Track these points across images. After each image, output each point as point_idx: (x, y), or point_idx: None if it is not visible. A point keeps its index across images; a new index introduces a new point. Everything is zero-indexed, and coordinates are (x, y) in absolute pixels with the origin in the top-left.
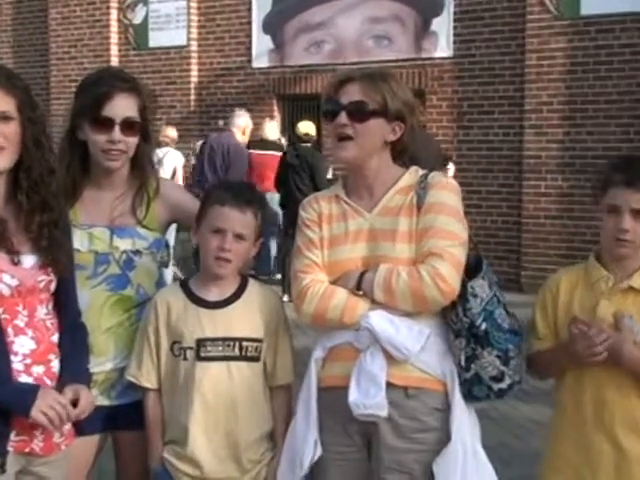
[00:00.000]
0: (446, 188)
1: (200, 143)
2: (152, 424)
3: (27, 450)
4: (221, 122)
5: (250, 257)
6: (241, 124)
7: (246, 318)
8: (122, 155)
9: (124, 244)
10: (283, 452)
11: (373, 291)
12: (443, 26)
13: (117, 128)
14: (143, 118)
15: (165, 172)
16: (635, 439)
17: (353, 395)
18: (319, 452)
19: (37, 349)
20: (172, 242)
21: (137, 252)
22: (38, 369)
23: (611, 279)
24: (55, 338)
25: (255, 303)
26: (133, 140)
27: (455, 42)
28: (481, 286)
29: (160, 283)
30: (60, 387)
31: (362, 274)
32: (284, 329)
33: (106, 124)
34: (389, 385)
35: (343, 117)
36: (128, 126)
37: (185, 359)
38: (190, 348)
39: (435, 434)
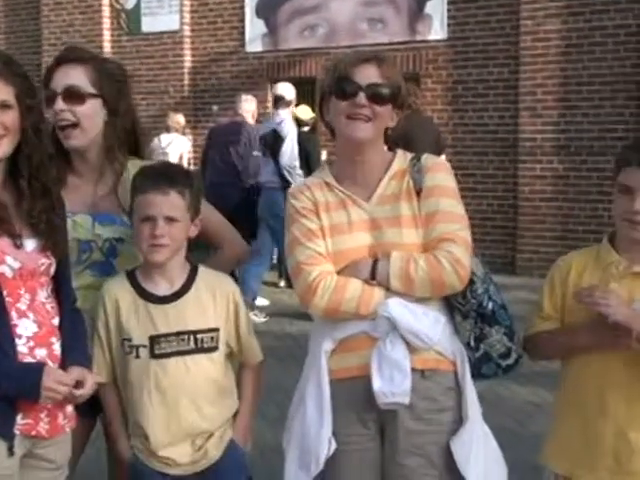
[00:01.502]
0: (442, 170)
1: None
2: (113, 417)
3: (33, 433)
4: (215, 107)
5: (191, 236)
6: (249, 108)
7: (198, 309)
8: (75, 130)
9: (106, 231)
10: (292, 450)
11: (389, 280)
12: (437, 8)
13: (59, 98)
14: (102, 91)
15: (170, 157)
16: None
17: (377, 383)
18: (334, 447)
19: (39, 332)
20: None
21: (120, 239)
22: (41, 352)
23: (622, 263)
24: (56, 322)
25: (207, 292)
26: (82, 109)
27: (449, 25)
28: (475, 264)
29: None
30: (64, 369)
31: (374, 263)
32: (242, 312)
33: (51, 97)
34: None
35: (362, 98)
36: (71, 95)
37: (137, 357)
38: (143, 346)
39: (449, 414)
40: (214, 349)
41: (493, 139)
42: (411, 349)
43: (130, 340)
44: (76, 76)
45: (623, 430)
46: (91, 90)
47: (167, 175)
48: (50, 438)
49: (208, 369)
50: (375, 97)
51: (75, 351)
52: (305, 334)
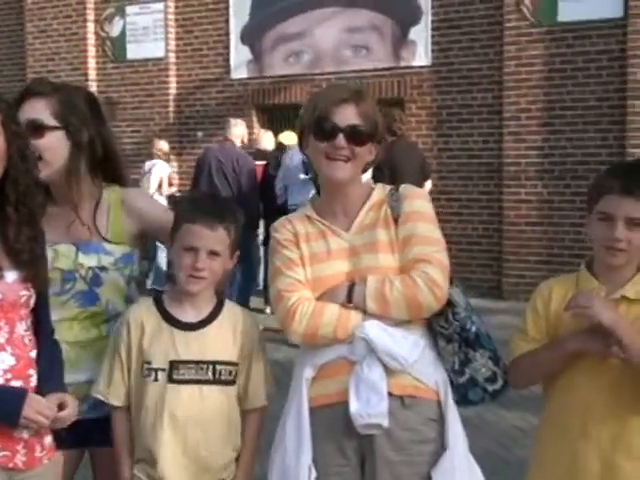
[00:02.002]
0: (419, 197)
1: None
2: (120, 443)
3: (11, 465)
4: (200, 133)
5: (227, 270)
6: (238, 133)
7: (221, 341)
8: (40, 162)
9: (89, 260)
10: (273, 477)
11: (365, 302)
12: (421, 35)
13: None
14: (65, 123)
15: (151, 183)
16: (624, 456)
17: (354, 406)
18: (314, 476)
19: (16, 365)
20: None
21: (103, 268)
22: (17, 383)
23: (603, 289)
24: (33, 354)
25: (230, 326)
26: (42, 142)
27: (433, 51)
28: (457, 294)
29: (129, 298)
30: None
31: (350, 287)
32: (258, 352)
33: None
34: (387, 394)
35: (342, 140)
36: (32, 128)
37: (156, 380)
38: (162, 370)
39: (430, 445)
40: (231, 383)
41: (478, 164)
42: (389, 372)
43: (150, 363)
44: (38, 110)
45: (607, 455)
46: (52, 123)
47: (217, 210)
48: (27, 470)
49: (222, 402)
50: (354, 138)
51: (52, 380)
52: (291, 361)
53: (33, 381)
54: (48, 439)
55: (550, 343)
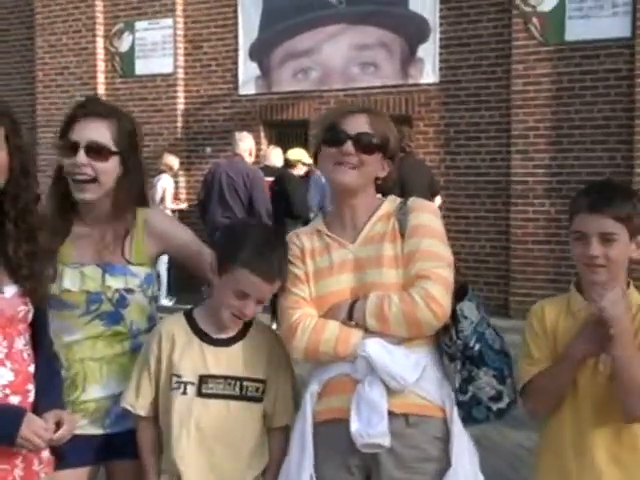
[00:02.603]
0: (427, 211)
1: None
2: (147, 452)
3: (10, 479)
4: (208, 149)
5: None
6: (246, 147)
7: (249, 358)
8: (92, 184)
9: (116, 283)
10: None
11: (366, 319)
12: (429, 52)
13: (82, 151)
14: (121, 148)
15: (158, 196)
16: (616, 471)
17: (355, 425)
18: None
19: (15, 380)
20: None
21: (129, 290)
22: (15, 399)
23: (591, 307)
24: (32, 369)
25: (258, 343)
26: (103, 166)
27: (441, 68)
28: (469, 308)
29: (151, 317)
30: (39, 414)
31: (352, 304)
32: (286, 370)
33: (72, 147)
34: (390, 414)
35: (350, 146)
36: (94, 150)
37: (184, 393)
38: (191, 383)
39: (435, 464)
40: (258, 400)
41: (485, 182)
42: (391, 391)
43: (180, 376)
44: (100, 132)
45: (602, 471)
46: (113, 148)
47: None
48: None
49: (248, 418)
50: (362, 145)
51: (50, 396)
52: (299, 379)
53: (31, 396)
54: (45, 453)
55: (557, 360)
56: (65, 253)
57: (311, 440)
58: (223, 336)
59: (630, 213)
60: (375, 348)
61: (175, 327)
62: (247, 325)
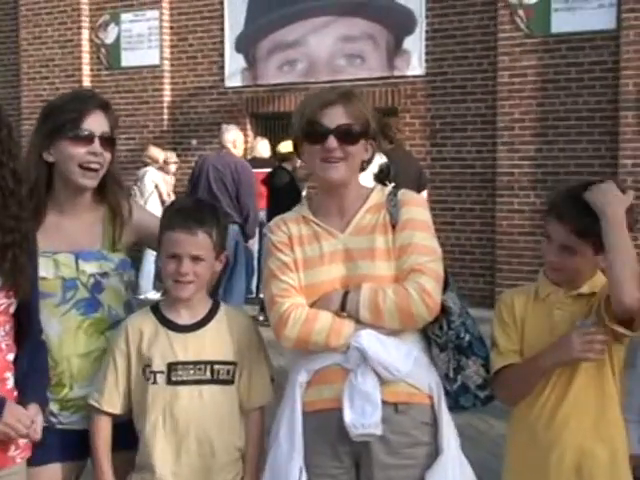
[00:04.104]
0: (417, 204)
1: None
2: (101, 452)
3: None
4: (194, 141)
5: (215, 273)
6: (230, 138)
7: (218, 341)
8: (99, 172)
9: (91, 267)
10: (264, 478)
11: (359, 311)
12: (415, 44)
13: (97, 141)
14: (115, 137)
15: (146, 190)
16: (600, 445)
17: (348, 416)
18: (304, 478)
19: None
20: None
21: (104, 274)
22: None
23: (560, 291)
24: (10, 357)
25: (227, 326)
26: (108, 157)
27: (427, 60)
28: (452, 299)
29: (128, 303)
30: (22, 404)
31: (345, 295)
32: (259, 351)
33: (87, 138)
34: (381, 402)
35: (333, 141)
36: (106, 141)
37: (155, 383)
38: (161, 372)
39: (425, 448)
40: (229, 382)
41: (471, 173)
42: (382, 381)
43: (150, 366)
44: (107, 123)
45: (582, 443)
46: (113, 137)
47: (196, 215)
48: (1, 469)
49: (222, 402)
50: (345, 138)
51: (34, 386)
52: (283, 370)
53: (9, 384)
54: (22, 440)
55: (526, 362)
56: (38, 242)
57: (301, 431)
58: (189, 321)
59: (596, 232)
60: (369, 339)
61: (141, 320)
62: (214, 309)
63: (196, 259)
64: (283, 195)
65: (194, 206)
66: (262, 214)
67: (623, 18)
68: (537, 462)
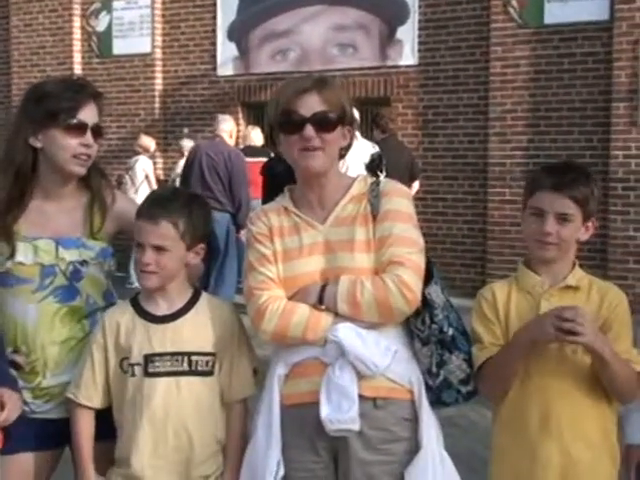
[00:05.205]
0: (399, 195)
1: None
2: (83, 445)
3: None
4: (185, 130)
5: (193, 265)
6: (227, 128)
7: (196, 332)
8: (88, 161)
9: (70, 255)
10: (242, 473)
11: (337, 304)
12: (408, 34)
13: (89, 133)
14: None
15: (137, 178)
16: (583, 448)
17: (325, 411)
18: (282, 472)
19: None
20: None
21: (84, 262)
22: None
23: (546, 282)
24: None
25: (206, 316)
26: (97, 146)
27: (420, 50)
28: (435, 292)
29: (108, 293)
30: None
31: (323, 288)
32: (240, 342)
33: (80, 129)
34: (359, 397)
35: (310, 129)
36: (96, 132)
37: (133, 375)
38: (138, 364)
39: (404, 444)
40: (209, 373)
41: (463, 164)
42: (360, 375)
43: (128, 359)
44: (97, 114)
45: (567, 446)
46: (102, 126)
47: (164, 203)
48: None
49: (200, 393)
50: (322, 126)
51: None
52: (264, 361)
53: None
54: None
55: (506, 344)
56: (20, 227)
57: (279, 424)
58: (167, 312)
59: (588, 197)
60: (347, 333)
61: (119, 313)
62: (194, 299)
63: (159, 249)
64: (281, 184)
65: (167, 195)
66: (255, 203)
67: (616, 9)
68: (523, 466)
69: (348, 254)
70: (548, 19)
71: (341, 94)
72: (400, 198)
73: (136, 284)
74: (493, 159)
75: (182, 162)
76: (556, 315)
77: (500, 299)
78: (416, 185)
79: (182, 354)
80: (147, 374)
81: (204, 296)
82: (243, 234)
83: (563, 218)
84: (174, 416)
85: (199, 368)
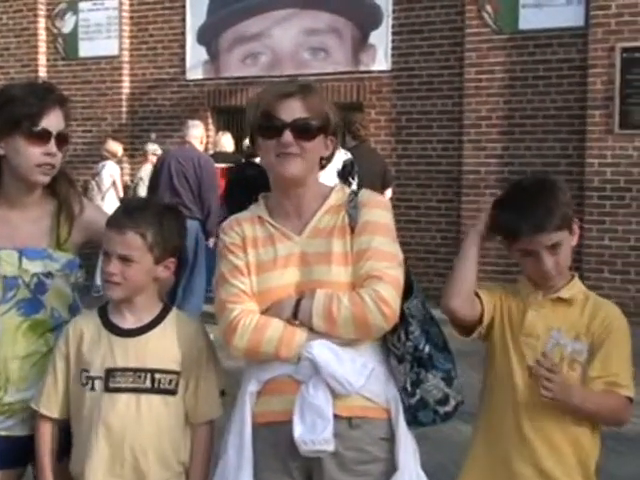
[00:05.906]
0: (378, 206)
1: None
2: (44, 454)
3: None
4: (153, 135)
5: (164, 278)
6: (197, 134)
7: (162, 348)
8: (53, 170)
9: (34, 266)
10: None
11: (312, 320)
12: (381, 39)
13: (53, 141)
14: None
15: (104, 184)
16: (556, 465)
17: (298, 431)
18: None
19: None
20: None
21: (49, 274)
22: None
23: (540, 293)
24: None
25: (173, 333)
26: (60, 155)
27: (393, 55)
28: (415, 307)
29: (74, 306)
30: None
31: (297, 302)
32: (208, 362)
33: (43, 137)
34: (334, 417)
35: (288, 135)
36: (61, 140)
37: (92, 389)
38: (99, 378)
39: (380, 465)
40: (172, 392)
41: (437, 171)
42: (335, 394)
43: (88, 371)
44: (63, 120)
45: (541, 461)
46: (68, 134)
47: (133, 213)
48: None
49: (161, 413)
50: (302, 133)
51: None
52: (238, 370)
53: None
54: None
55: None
56: None
57: (250, 443)
58: (133, 326)
59: (566, 214)
60: (321, 350)
61: (85, 323)
62: (162, 315)
63: (125, 260)
64: (252, 191)
65: (138, 205)
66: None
67: (591, 15)
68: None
69: (325, 267)
70: (523, 25)
71: (326, 102)
72: (379, 210)
73: (102, 292)
74: (467, 166)
75: (146, 166)
76: (536, 359)
77: (504, 301)
78: (389, 193)
79: (145, 371)
80: (107, 389)
81: (173, 312)
82: (212, 241)
83: (555, 247)
84: (131, 435)
85: (162, 386)
